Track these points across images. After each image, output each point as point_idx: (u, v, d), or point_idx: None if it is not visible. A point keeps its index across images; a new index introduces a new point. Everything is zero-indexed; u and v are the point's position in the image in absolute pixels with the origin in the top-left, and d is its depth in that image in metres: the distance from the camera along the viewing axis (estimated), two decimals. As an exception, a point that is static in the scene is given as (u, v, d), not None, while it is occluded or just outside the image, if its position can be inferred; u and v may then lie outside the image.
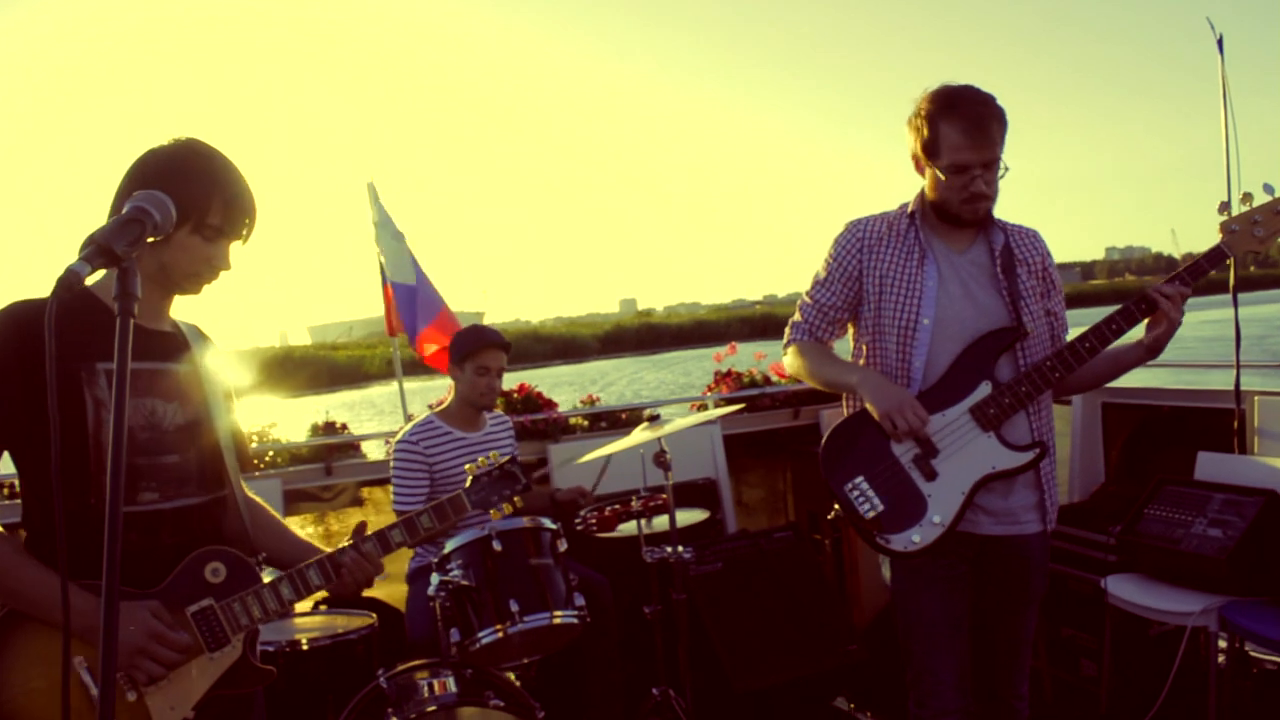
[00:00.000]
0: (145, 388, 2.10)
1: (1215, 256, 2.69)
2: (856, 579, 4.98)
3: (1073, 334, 2.83)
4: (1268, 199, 2.69)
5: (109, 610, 1.37)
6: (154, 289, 2.14)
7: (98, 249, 1.44)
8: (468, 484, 2.55)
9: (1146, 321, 2.67)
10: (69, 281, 1.38)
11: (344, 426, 5.34)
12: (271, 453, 5.05)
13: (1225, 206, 2.74)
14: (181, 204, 1.76)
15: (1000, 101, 2.68)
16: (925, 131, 2.69)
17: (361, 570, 2.28)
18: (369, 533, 2.38)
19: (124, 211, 1.53)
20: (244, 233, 2.16)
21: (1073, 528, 4.47)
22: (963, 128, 2.62)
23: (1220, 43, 4.47)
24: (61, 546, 1.43)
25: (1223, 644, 3.80)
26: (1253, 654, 4.07)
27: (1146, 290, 2.64)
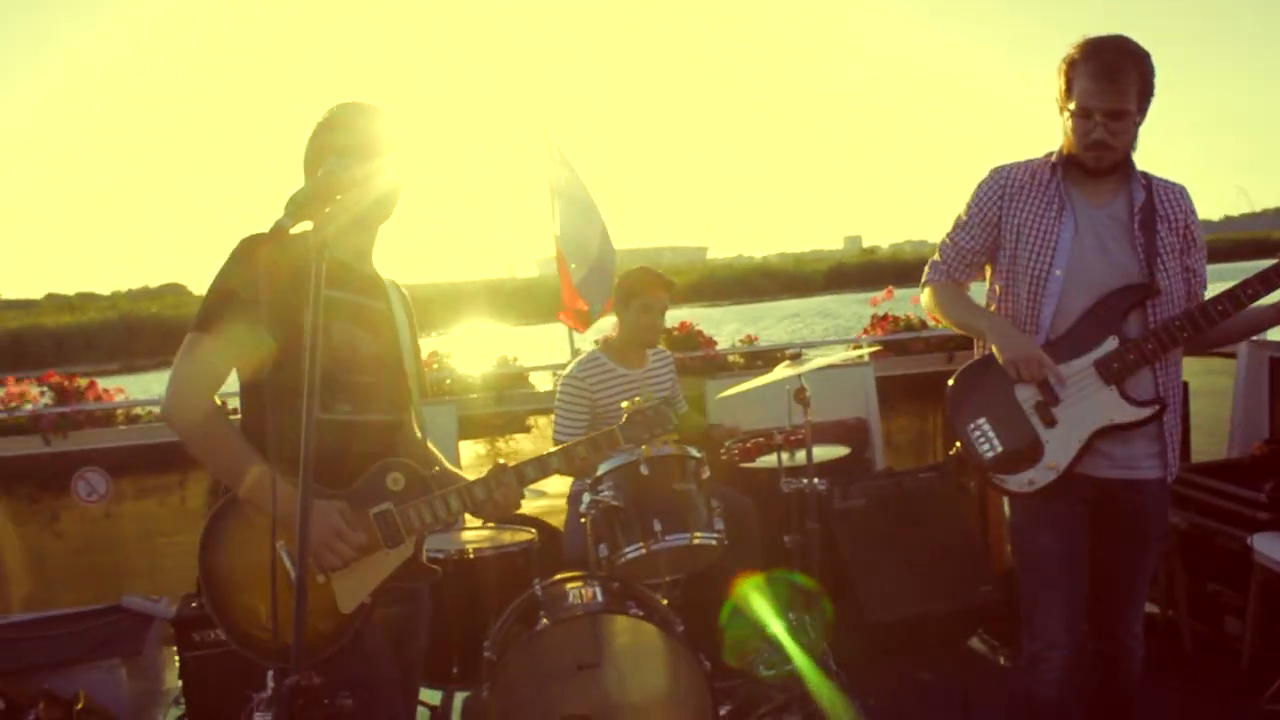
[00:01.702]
0: (350, 315, 2.42)
1: None
2: (998, 522, 5.04)
3: (1211, 290, 2.85)
4: None
5: (304, 511, 1.70)
6: (358, 232, 2.46)
7: (297, 207, 1.76)
8: (623, 420, 2.74)
9: None
10: (277, 233, 1.71)
11: (515, 360, 5.68)
12: (449, 380, 5.44)
13: None
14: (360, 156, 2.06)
15: (1153, 60, 2.69)
16: (1065, 75, 2.74)
17: (504, 495, 2.53)
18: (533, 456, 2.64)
19: (319, 174, 1.83)
20: (386, 215, 2.47)
21: (1225, 482, 4.44)
22: (1093, 72, 2.65)
23: None
24: (307, 452, 1.72)
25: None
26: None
27: None
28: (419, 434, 2.69)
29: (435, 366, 5.49)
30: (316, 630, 2.29)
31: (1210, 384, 5.13)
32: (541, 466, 2.60)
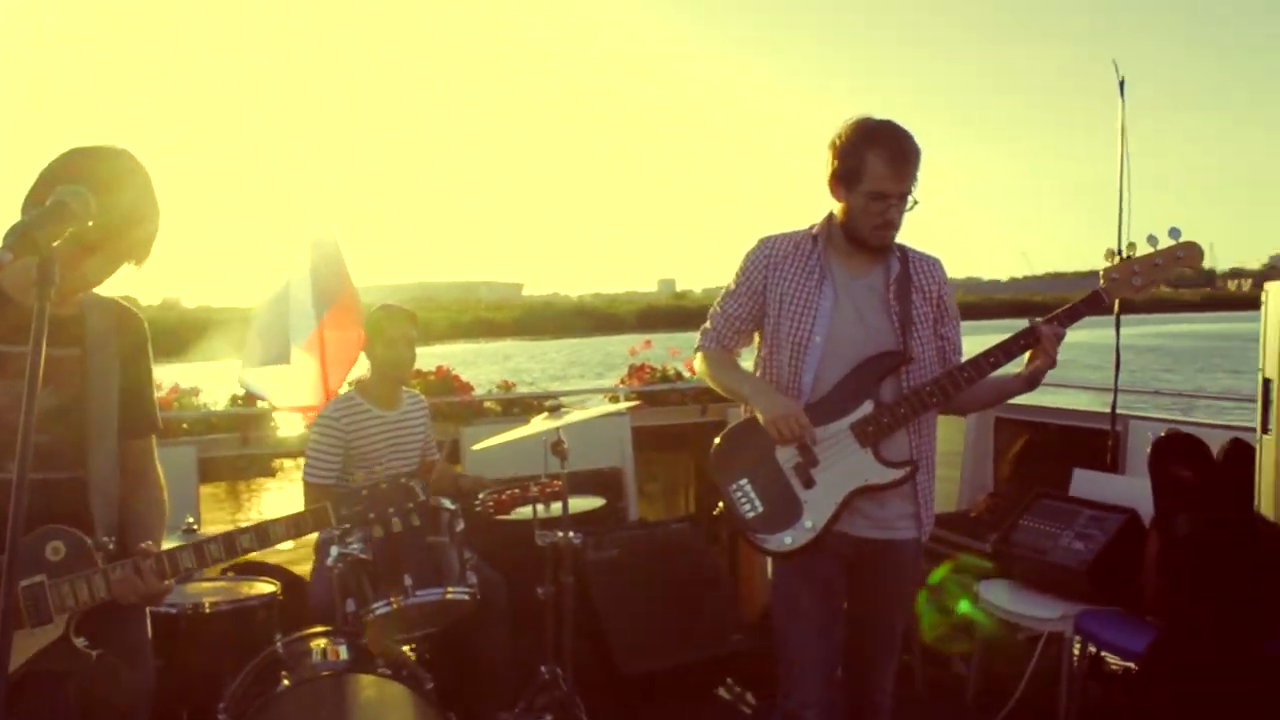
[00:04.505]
0: (19, 370, 2.12)
1: (1093, 302, 2.87)
2: (749, 572, 5.18)
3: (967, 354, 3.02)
4: (1149, 250, 2.84)
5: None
6: (69, 272, 2.17)
7: (21, 237, 1.54)
8: (345, 493, 2.55)
9: (1029, 354, 2.86)
10: None
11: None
12: (186, 424, 5.12)
13: (1113, 253, 2.92)
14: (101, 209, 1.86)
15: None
16: (849, 157, 2.84)
17: (131, 587, 2.24)
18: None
19: (48, 203, 1.63)
20: (144, 257, 2.27)
21: (956, 534, 4.72)
22: (887, 158, 2.78)
23: (1122, 85, 4.69)
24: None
25: (1077, 648, 4.07)
26: (1106, 657, 4.35)
27: (1026, 329, 2.83)
28: (159, 480, 2.47)
29: (176, 405, 5.16)
30: None
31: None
32: (199, 555, 2.33)
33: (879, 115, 2.89)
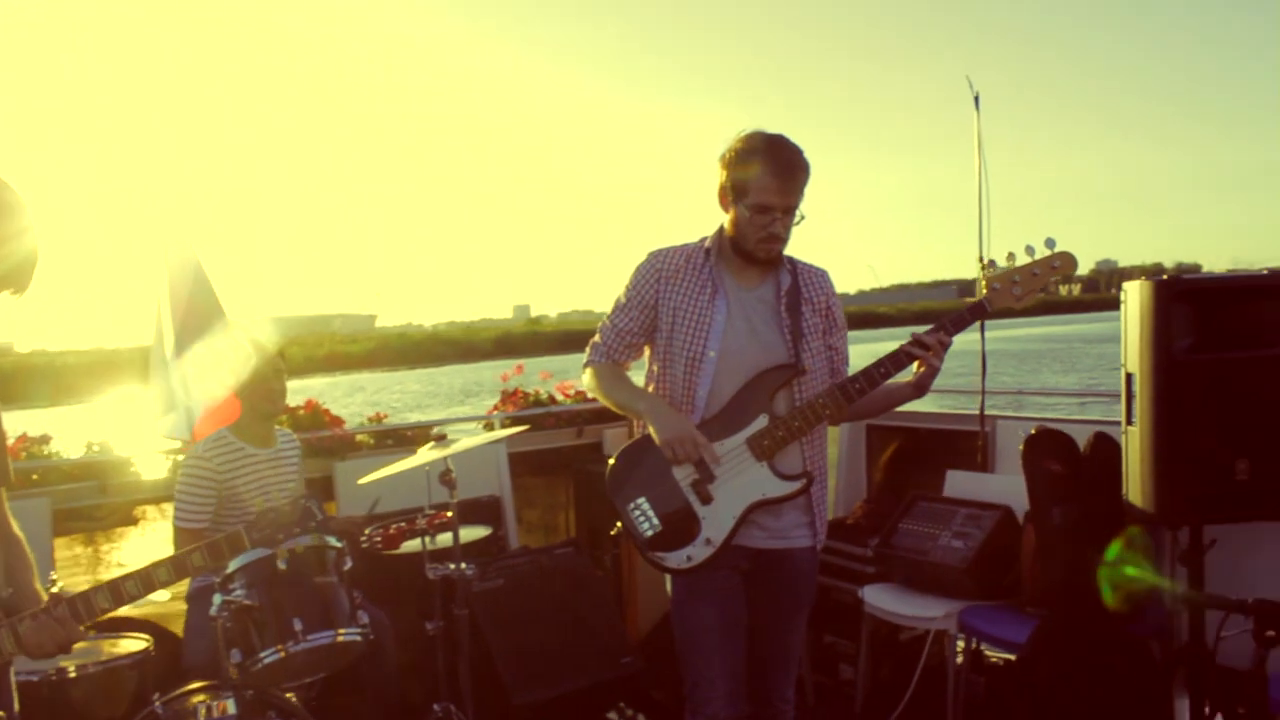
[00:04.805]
0: None
1: (977, 310, 2.94)
2: (634, 593, 5.17)
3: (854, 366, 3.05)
4: (1028, 260, 2.93)
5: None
6: None
7: None
8: (253, 518, 2.49)
9: (917, 362, 2.92)
10: None
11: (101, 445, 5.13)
12: (36, 474, 4.83)
13: (992, 264, 2.99)
14: None
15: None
16: (737, 169, 2.86)
17: (50, 634, 2.15)
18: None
19: None
20: (23, 284, 2.12)
21: (836, 541, 4.78)
22: (774, 171, 2.81)
23: (977, 100, 4.85)
24: None
25: (961, 644, 4.18)
26: (987, 652, 4.48)
27: (912, 338, 2.89)
28: (19, 533, 2.33)
29: (24, 455, 4.85)
30: None
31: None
32: (144, 582, 2.24)
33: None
